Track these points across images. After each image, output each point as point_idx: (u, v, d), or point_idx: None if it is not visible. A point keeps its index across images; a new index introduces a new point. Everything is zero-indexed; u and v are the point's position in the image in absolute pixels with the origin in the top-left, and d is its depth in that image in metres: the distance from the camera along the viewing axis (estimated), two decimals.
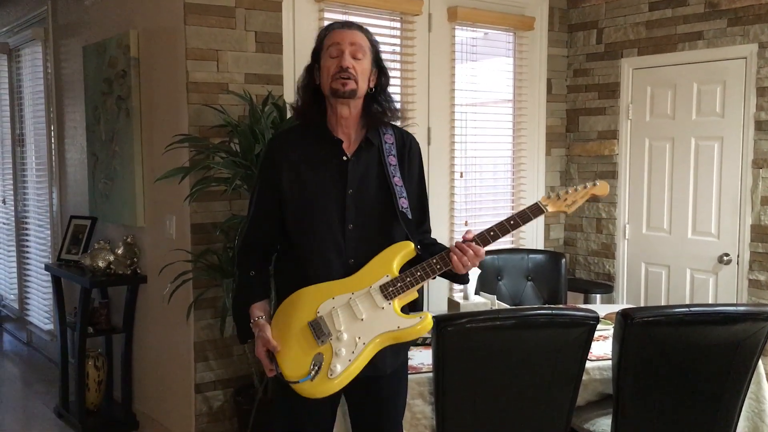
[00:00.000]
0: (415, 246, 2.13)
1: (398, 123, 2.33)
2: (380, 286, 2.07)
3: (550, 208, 2.13)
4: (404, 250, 2.12)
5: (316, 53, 2.17)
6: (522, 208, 2.15)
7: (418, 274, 2.07)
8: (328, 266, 2.12)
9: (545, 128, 4.83)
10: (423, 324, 2.05)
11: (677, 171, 4.38)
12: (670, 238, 4.45)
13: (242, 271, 2.24)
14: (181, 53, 3.41)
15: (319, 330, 2.06)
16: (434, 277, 2.11)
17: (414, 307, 2.17)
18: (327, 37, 2.14)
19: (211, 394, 3.57)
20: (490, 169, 4.73)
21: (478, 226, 4.55)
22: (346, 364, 2.02)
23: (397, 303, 2.07)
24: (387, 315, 2.05)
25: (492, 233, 2.10)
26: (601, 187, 2.17)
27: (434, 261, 2.08)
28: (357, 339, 2.04)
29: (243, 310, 2.19)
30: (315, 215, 2.13)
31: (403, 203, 2.15)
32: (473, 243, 2.09)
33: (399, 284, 2.07)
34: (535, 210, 2.11)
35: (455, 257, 2.07)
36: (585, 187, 2.15)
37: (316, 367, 2.02)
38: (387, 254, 2.11)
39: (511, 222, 2.09)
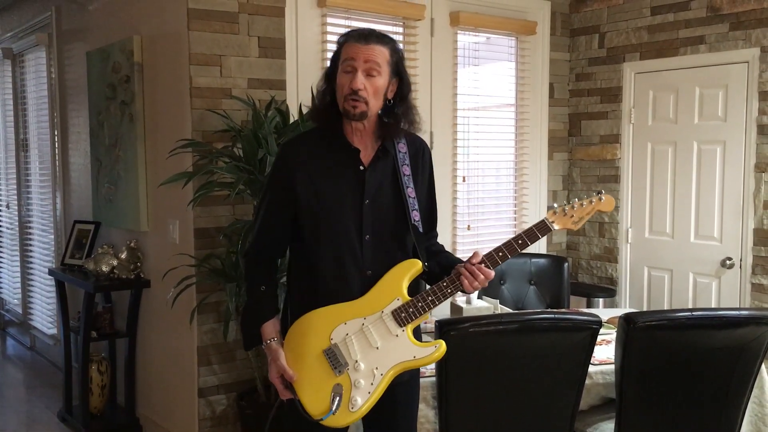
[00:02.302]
0: (423, 264, 2.12)
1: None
2: (392, 312, 2.06)
3: (557, 226, 2.12)
4: (413, 269, 2.10)
5: (335, 61, 2.13)
6: (529, 225, 2.14)
7: (430, 299, 2.06)
8: (345, 277, 2.10)
9: (547, 132, 4.84)
10: (438, 353, 2.05)
11: (680, 175, 4.39)
12: (673, 242, 4.45)
13: (252, 283, 2.20)
14: (185, 58, 3.42)
15: (335, 360, 2.05)
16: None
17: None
18: (344, 47, 2.10)
19: (215, 399, 3.58)
20: (493, 173, 4.74)
21: (481, 231, 4.57)
22: (366, 397, 2.03)
23: (410, 329, 2.07)
24: (402, 343, 2.05)
25: (501, 254, 2.09)
26: (607, 203, 2.15)
27: (445, 285, 2.08)
28: (374, 370, 2.04)
29: (253, 327, 2.18)
30: (332, 225, 2.10)
31: (415, 216, 2.14)
32: (482, 266, 2.08)
33: (411, 309, 2.05)
34: (543, 228, 2.11)
35: (466, 282, 2.07)
36: (591, 203, 2.14)
37: (337, 399, 2.02)
38: (396, 274, 2.09)
39: (519, 241, 2.08)
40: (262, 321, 2.16)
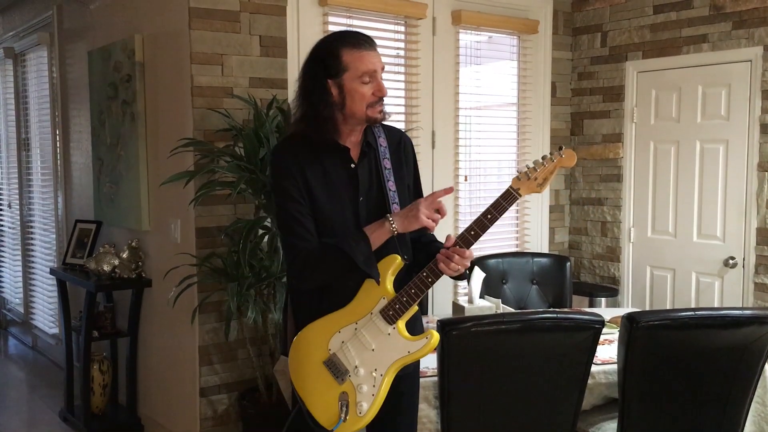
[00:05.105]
0: (403, 257, 2.12)
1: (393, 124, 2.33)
2: (380, 311, 2.08)
3: (522, 192, 2.08)
4: (393, 265, 2.11)
5: (335, 67, 2.07)
6: (497, 197, 2.08)
7: (413, 291, 2.07)
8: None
9: (549, 131, 4.83)
10: (431, 343, 2.07)
11: (682, 174, 4.37)
12: (676, 241, 4.43)
13: (321, 253, 2.08)
14: (186, 57, 3.42)
15: (335, 369, 2.09)
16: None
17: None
18: (358, 58, 2.06)
19: (216, 398, 3.57)
20: (495, 172, 4.73)
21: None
22: (371, 400, 2.07)
23: (402, 324, 2.09)
24: (395, 341, 2.08)
25: (473, 232, 2.08)
26: (568, 158, 2.09)
27: (425, 275, 2.08)
28: (374, 372, 2.08)
29: (362, 249, 2.05)
30: (334, 226, 2.12)
31: (396, 209, 2.16)
32: (456, 247, 2.08)
33: (397, 306, 2.07)
34: (509, 197, 2.07)
35: (443, 265, 2.07)
36: (553, 161, 2.08)
37: (345, 408, 2.07)
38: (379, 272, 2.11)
39: (489, 216, 2.06)
40: (366, 235, 2.06)
